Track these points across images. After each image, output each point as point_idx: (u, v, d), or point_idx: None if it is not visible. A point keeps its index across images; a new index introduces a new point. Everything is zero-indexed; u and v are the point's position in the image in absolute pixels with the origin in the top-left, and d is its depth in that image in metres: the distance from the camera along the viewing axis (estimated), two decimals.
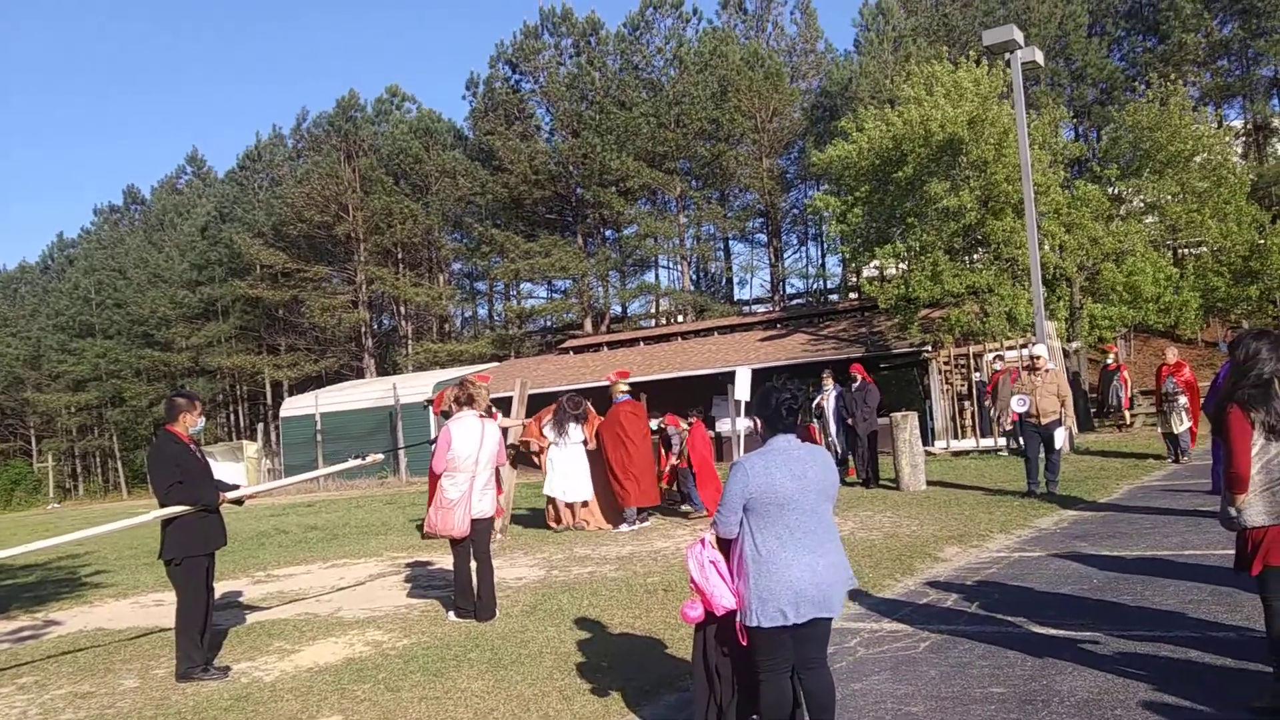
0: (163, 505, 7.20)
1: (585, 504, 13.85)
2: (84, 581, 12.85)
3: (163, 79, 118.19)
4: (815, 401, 17.00)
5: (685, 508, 14.43)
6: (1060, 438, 13.20)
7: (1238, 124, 38.55)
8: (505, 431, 11.29)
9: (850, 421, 16.23)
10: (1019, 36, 18.64)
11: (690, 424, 14.63)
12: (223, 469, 29.88)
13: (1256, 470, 4.71)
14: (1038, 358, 13.66)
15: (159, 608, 9.92)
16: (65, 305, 59.34)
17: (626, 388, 14.10)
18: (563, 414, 13.95)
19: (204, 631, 7.17)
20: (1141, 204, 24.48)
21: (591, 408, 14.40)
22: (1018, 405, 13.55)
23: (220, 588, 10.05)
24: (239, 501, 8.03)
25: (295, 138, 54.82)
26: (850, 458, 16.75)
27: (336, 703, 6.07)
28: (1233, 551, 5.01)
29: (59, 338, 57.61)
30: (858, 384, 16.35)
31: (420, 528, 13.99)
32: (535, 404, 14.42)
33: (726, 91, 41.00)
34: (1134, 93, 32.97)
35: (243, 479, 30.61)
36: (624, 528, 13.23)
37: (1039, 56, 19.51)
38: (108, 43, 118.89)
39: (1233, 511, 4.81)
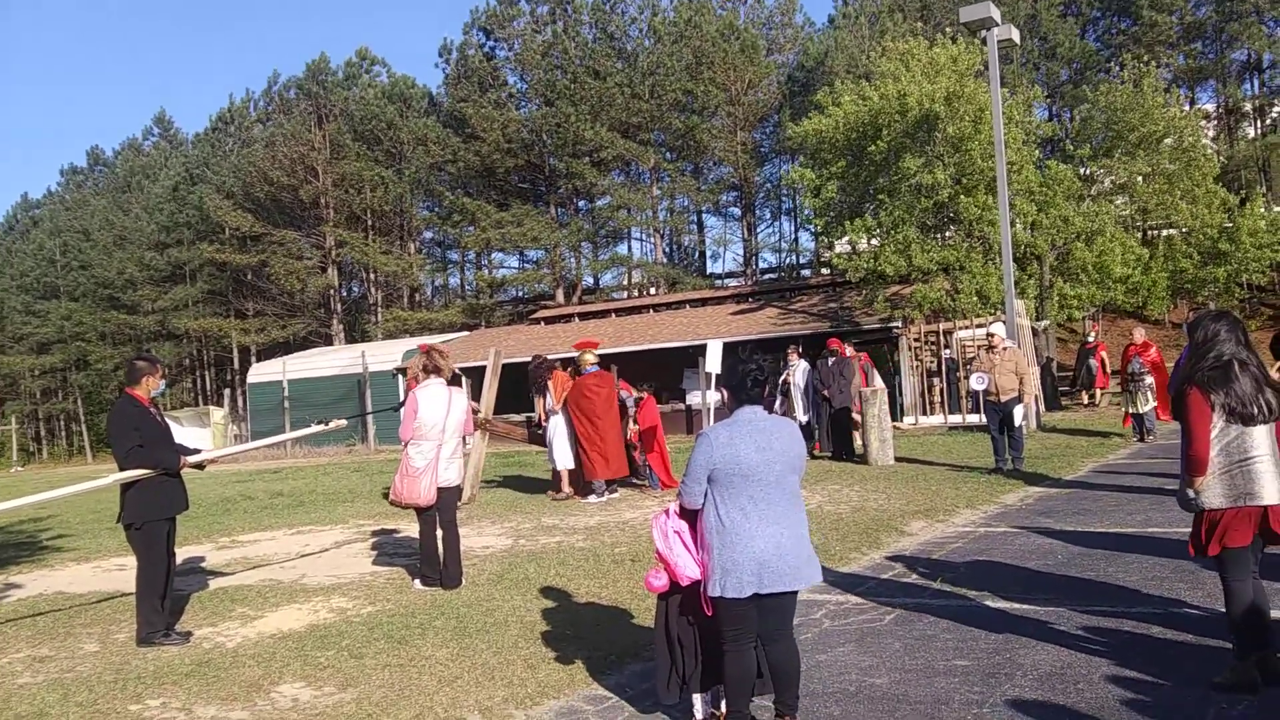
0: (122, 469, 7.10)
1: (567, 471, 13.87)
2: (45, 545, 12.71)
3: (130, 39, 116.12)
4: (782, 377, 16.99)
5: (639, 480, 14.35)
6: (1019, 415, 13.21)
7: (1210, 107, 38.82)
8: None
9: (825, 394, 16.26)
10: (996, 14, 18.62)
11: (641, 397, 14.53)
12: (189, 434, 29.74)
13: (1216, 452, 4.70)
14: (993, 335, 13.69)
15: (121, 572, 9.82)
16: (30, 266, 58.46)
17: (595, 359, 13.98)
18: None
19: (165, 596, 7.09)
20: (1111, 184, 24.63)
21: (561, 371, 14.30)
22: (976, 383, 13.59)
23: (184, 553, 9.95)
24: (200, 466, 7.92)
25: (267, 100, 54.16)
26: (817, 431, 16.79)
27: (299, 669, 6.02)
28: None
29: (23, 299, 56.84)
30: (835, 358, 16.37)
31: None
32: (509, 372, 14.32)
33: (701, 63, 40.80)
34: (1108, 73, 33.13)
35: (209, 444, 30.37)
36: (591, 499, 13.21)
37: (1015, 34, 19.52)
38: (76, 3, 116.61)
39: (1191, 493, 4.81)
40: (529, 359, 15.13)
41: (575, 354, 14.38)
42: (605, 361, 14.55)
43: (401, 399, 13.65)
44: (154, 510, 7.09)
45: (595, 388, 13.47)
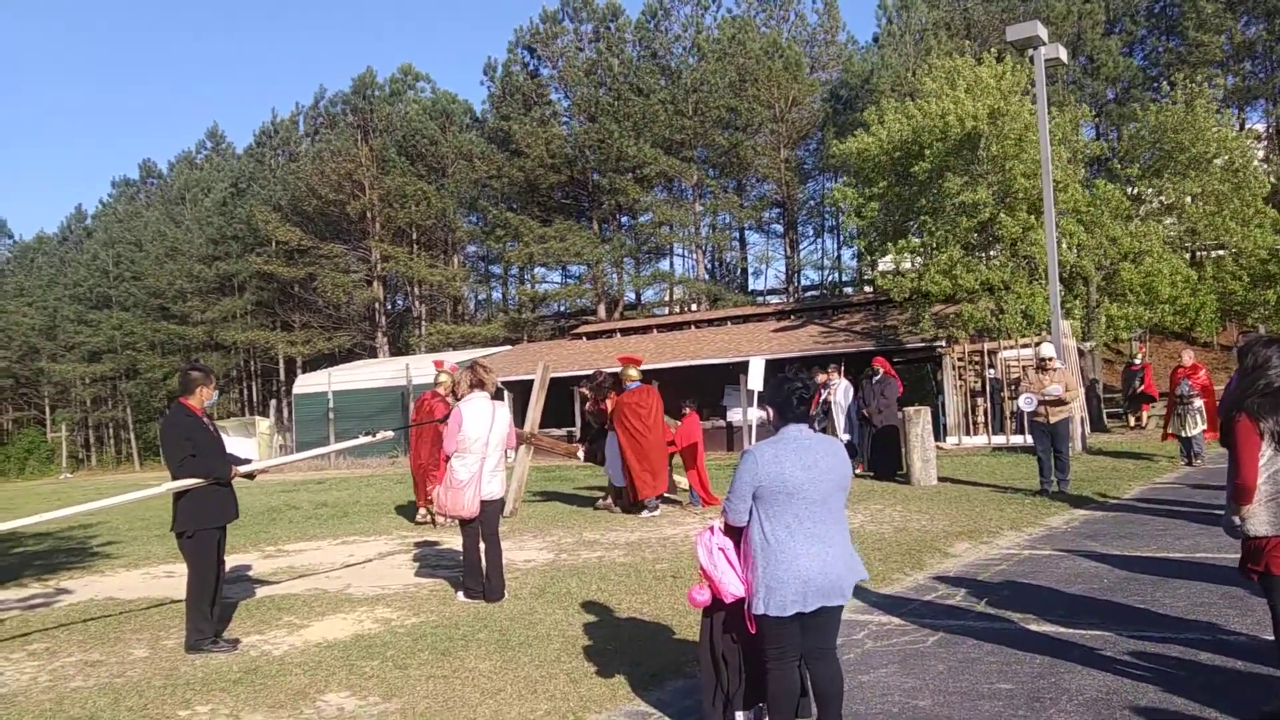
0: (175, 478, 7.22)
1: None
2: (95, 551, 12.95)
3: (181, 55, 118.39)
4: (823, 397, 16.94)
5: (678, 497, 14.32)
6: (1066, 416, 13.08)
7: (1260, 127, 38.26)
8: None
9: (866, 412, 16.22)
10: (1043, 33, 18.47)
11: (684, 414, 14.52)
12: (235, 444, 30.00)
13: (1263, 480, 4.65)
14: (1048, 359, 13.52)
15: (170, 579, 9.98)
16: (83, 276, 59.53)
17: (637, 374, 13.96)
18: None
19: (214, 604, 7.21)
20: (1160, 205, 24.31)
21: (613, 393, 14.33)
22: (1025, 404, 13.45)
23: (231, 561, 10.07)
24: (250, 475, 8.06)
25: (313, 114, 54.93)
26: (860, 451, 16.73)
27: (344, 678, 6.10)
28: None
29: (76, 308, 57.85)
30: (878, 376, 16.33)
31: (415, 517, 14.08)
32: (556, 386, 14.37)
33: (745, 81, 40.84)
34: (1156, 92, 32.75)
35: (254, 454, 30.76)
36: (644, 514, 13.21)
37: (1063, 54, 19.35)
38: (128, 18, 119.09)
39: (1237, 520, 4.76)
40: (570, 374, 15.17)
41: (618, 368, 14.40)
42: (647, 377, 14.50)
43: (415, 416, 13.74)
44: (206, 519, 7.22)
45: (638, 405, 13.46)
